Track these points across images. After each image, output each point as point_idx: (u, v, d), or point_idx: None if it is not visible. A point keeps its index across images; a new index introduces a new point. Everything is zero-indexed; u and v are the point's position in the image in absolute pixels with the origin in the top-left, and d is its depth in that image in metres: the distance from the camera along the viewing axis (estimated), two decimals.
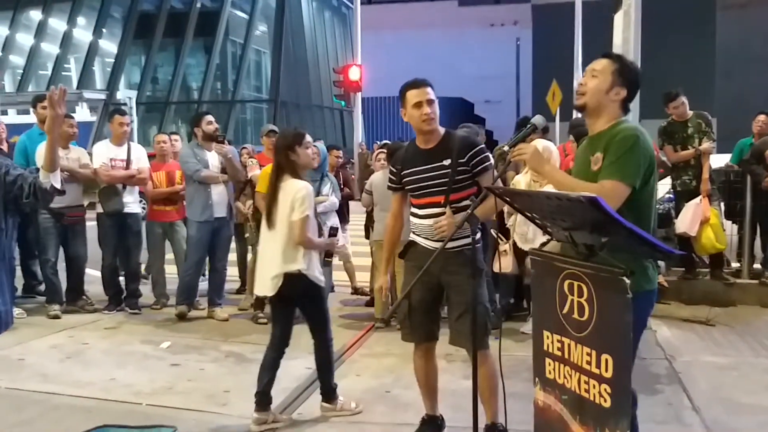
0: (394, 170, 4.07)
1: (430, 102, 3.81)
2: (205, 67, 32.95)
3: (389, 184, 4.16)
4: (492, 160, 3.91)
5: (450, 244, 3.57)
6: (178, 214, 7.52)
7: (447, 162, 3.80)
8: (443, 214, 3.78)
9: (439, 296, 3.96)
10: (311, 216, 4.41)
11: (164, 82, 33.68)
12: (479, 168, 3.81)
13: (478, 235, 3.93)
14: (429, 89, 3.84)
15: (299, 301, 4.48)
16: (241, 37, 33.60)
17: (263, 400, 4.41)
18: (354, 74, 20.32)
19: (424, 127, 3.83)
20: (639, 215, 2.94)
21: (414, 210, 4.00)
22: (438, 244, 3.63)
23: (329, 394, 4.63)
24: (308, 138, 4.66)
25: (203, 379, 5.29)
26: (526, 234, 5.97)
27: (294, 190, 4.37)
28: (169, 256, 7.67)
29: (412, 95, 3.82)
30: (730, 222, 7.94)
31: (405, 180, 3.98)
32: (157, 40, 33.04)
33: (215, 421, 4.49)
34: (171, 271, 7.68)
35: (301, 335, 6.42)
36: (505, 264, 6.11)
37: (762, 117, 8.10)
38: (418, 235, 3.97)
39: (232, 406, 4.70)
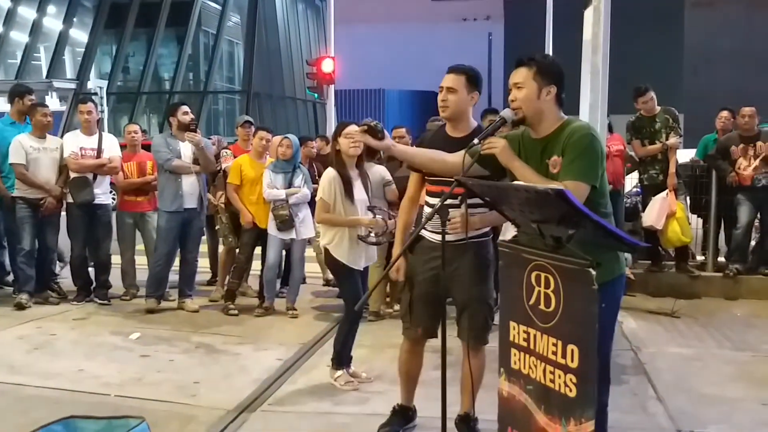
0: None
1: (449, 89, 3.73)
2: (177, 57, 32.57)
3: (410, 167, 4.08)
4: None
5: (455, 237, 3.55)
6: (149, 204, 7.46)
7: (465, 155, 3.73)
8: (456, 206, 3.62)
9: (443, 291, 3.79)
10: (328, 198, 4.92)
11: (135, 72, 33.22)
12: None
13: (488, 228, 3.91)
14: (453, 75, 3.75)
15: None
16: (213, 27, 33.27)
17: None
18: (327, 66, 20.20)
19: (441, 114, 3.81)
20: (595, 208, 2.98)
21: (427, 199, 3.94)
22: (440, 237, 3.55)
23: (337, 360, 4.93)
24: (349, 128, 4.93)
25: (173, 370, 5.27)
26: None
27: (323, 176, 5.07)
28: (140, 246, 7.62)
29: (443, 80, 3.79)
30: (695, 216, 8.08)
31: None
32: (129, 30, 32.57)
33: (185, 412, 4.47)
34: (141, 262, 7.63)
35: (272, 326, 6.47)
36: None
37: (725, 113, 8.25)
38: (424, 227, 3.81)
39: (202, 397, 4.70)
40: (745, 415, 4.46)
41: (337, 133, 5.00)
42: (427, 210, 3.93)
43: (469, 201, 3.57)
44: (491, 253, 3.91)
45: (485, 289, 3.86)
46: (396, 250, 4.13)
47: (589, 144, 3.07)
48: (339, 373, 4.93)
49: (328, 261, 5.00)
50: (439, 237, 3.46)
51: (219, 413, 4.42)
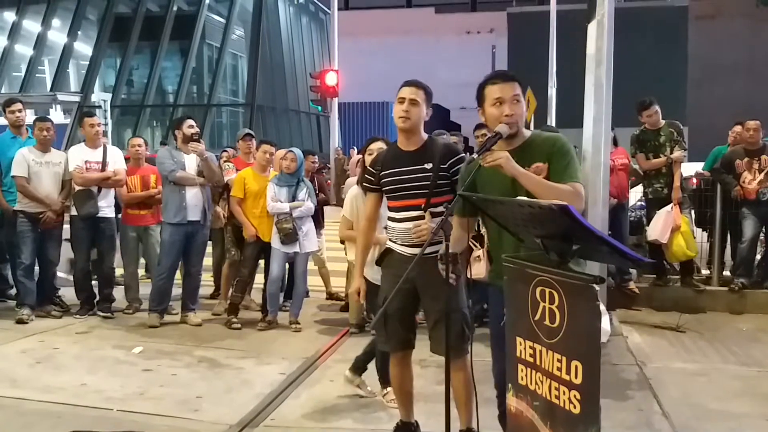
0: (373, 171, 4.03)
1: (412, 101, 3.80)
2: (181, 70, 32.72)
3: (365, 185, 4.14)
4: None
5: (427, 249, 3.55)
6: (153, 218, 7.47)
7: (429, 166, 3.80)
8: (421, 217, 3.76)
9: (415, 303, 3.93)
10: (350, 215, 5.08)
11: (139, 85, 33.39)
12: (455, 177, 3.78)
13: None
14: (415, 88, 3.84)
15: None
16: (217, 41, 33.43)
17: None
18: (331, 79, 20.32)
19: (398, 124, 3.85)
20: None
21: (391, 214, 3.98)
22: (415, 250, 3.62)
23: (381, 377, 4.86)
24: (374, 144, 4.96)
25: (175, 384, 5.25)
26: None
27: None
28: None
29: (401, 91, 3.85)
30: (700, 230, 8.05)
31: (384, 180, 3.94)
32: (133, 43, 32.76)
33: (187, 427, 4.46)
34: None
35: (275, 340, 6.45)
36: (478, 270, 6.12)
37: (737, 128, 8.23)
38: (394, 241, 3.95)
39: (204, 413, 4.67)
40: (751, 431, 4.42)
41: (366, 148, 5.02)
42: (390, 225, 3.98)
43: (431, 209, 3.75)
44: (460, 263, 3.92)
45: (459, 299, 3.86)
46: (357, 271, 4.15)
47: (571, 150, 3.24)
48: (386, 390, 4.83)
49: None
50: (411, 250, 3.48)
51: (221, 428, 4.40)
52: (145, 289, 7.39)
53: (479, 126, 7.14)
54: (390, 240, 4.01)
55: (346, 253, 6.13)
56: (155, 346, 6.20)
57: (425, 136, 3.94)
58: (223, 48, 33.31)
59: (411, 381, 4.15)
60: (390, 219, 4.00)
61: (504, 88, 3.24)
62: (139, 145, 7.66)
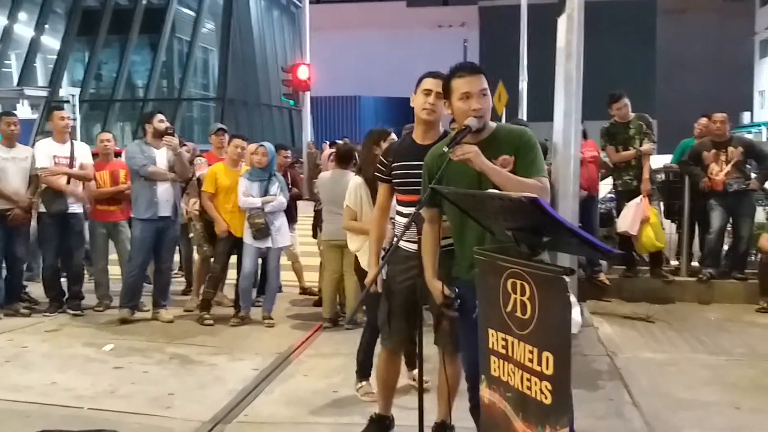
0: (385, 162, 3.94)
1: (438, 94, 3.65)
2: (151, 64, 32.39)
3: (377, 175, 4.02)
4: None
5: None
6: (122, 214, 7.38)
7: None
8: None
9: (421, 299, 3.69)
10: (354, 205, 5.04)
11: (108, 80, 32.99)
12: None
13: None
14: (437, 81, 3.66)
15: None
16: (187, 34, 33.13)
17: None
18: (303, 73, 20.23)
19: (423, 116, 3.76)
20: None
21: (399, 208, 3.91)
22: (417, 246, 3.49)
23: (360, 370, 4.90)
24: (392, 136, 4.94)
25: (147, 381, 5.21)
26: None
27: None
28: (113, 256, 7.54)
29: (425, 82, 3.76)
30: (669, 221, 8.16)
31: (394, 173, 3.86)
32: (102, 37, 32.32)
33: (159, 424, 4.42)
34: (115, 272, 7.55)
35: (248, 336, 6.42)
36: None
37: (703, 120, 8.35)
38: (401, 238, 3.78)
39: (177, 410, 4.64)
40: (720, 419, 4.50)
41: (374, 140, 4.96)
42: (398, 220, 3.91)
43: None
44: None
45: None
46: (372, 262, 4.06)
47: (536, 144, 3.29)
48: (361, 383, 4.87)
49: (356, 268, 5.12)
50: (414, 246, 3.44)
51: (194, 425, 4.38)
52: (115, 285, 7.30)
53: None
54: (396, 236, 3.92)
55: (293, 247, 6.02)
56: (126, 344, 6.14)
57: (441, 130, 3.86)
58: (193, 42, 33.03)
59: (398, 376, 4.16)
60: (398, 213, 3.92)
61: (472, 82, 3.24)
62: (108, 140, 7.56)
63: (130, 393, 4.95)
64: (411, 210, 3.68)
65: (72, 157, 7.08)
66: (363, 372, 4.89)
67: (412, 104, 3.83)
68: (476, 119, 3.20)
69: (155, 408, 4.66)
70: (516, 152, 3.21)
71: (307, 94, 21.23)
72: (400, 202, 3.90)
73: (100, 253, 7.42)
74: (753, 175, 7.66)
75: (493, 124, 3.33)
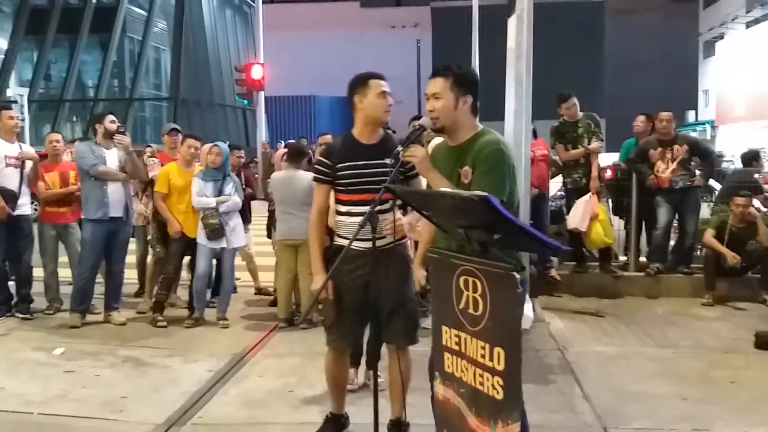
0: (327, 163, 3.91)
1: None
2: (102, 64, 31.84)
3: (317, 176, 3.98)
4: None
5: (382, 242, 3.57)
6: (72, 215, 7.25)
7: (390, 161, 3.65)
8: (385, 211, 3.67)
9: (372, 297, 3.74)
10: None
11: (58, 80, 32.33)
12: (413, 171, 3.67)
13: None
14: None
15: None
16: (139, 34, 32.66)
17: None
18: (256, 73, 20.08)
19: (384, 117, 3.82)
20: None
21: (343, 209, 3.89)
22: (367, 244, 3.49)
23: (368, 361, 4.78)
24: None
25: (99, 385, 5.13)
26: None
27: None
28: (63, 259, 7.40)
29: (378, 84, 3.79)
30: (617, 217, 8.33)
31: (340, 174, 3.84)
32: (51, 36, 31.66)
33: (111, 428, 4.38)
34: (65, 274, 7.42)
35: (203, 337, 6.38)
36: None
37: (641, 117, 8.55)
38: (345, 237, 3.81)
39: (130, 413, 4.59)
40: (667, 411, 4.62)
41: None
42: (343, 220, 3.90)
43: (384, 206, 3.63)
44: (409, 253, 4.01)
45: (410, 289, 3.91)
46: (317, 267, 3.97)
47: (499, 159, 3.17)
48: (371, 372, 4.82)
49: None
50: (364, 244, 3.47)
51: (148, 428, 4.33)
52: (65, 288, 7.17)
53: (415, 118, 7.21)
54: (339, 236, 3.92)
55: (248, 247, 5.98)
56: (77, 347, 6.04)
57: (381, 132, 3.91)
58: (145, 41, 32.58)
59: (347, 375, 4.19)
60: (343, 214, 3.89)
61: (429, 85, 3.31)
62: (57, 141, 7.42)
63: (81, 397, 4.87)
64: (360, 209, 3.73)
65: (20, 158, 6.94)
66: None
67: (359, 105, 3.84)
68: (431, 120, 3.28)
69: (107, 412, 4.60)
70: (473, 164, 3.20)
71: (261, 94, 21.05)
72: (345, 202, 3.88)
73: (49, 256, 7.27)
74: (698, 173, 7.87)
75: (477, 129, 3.29)
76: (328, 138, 7.08)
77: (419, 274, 3.80)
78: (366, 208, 3.65)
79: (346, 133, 4.00)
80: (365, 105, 3.82)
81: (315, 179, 4.01)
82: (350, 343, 4.02)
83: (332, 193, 3.97)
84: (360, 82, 3.84)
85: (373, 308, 3.74)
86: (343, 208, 3.89)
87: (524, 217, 6.57)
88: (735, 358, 5.70)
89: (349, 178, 3.83)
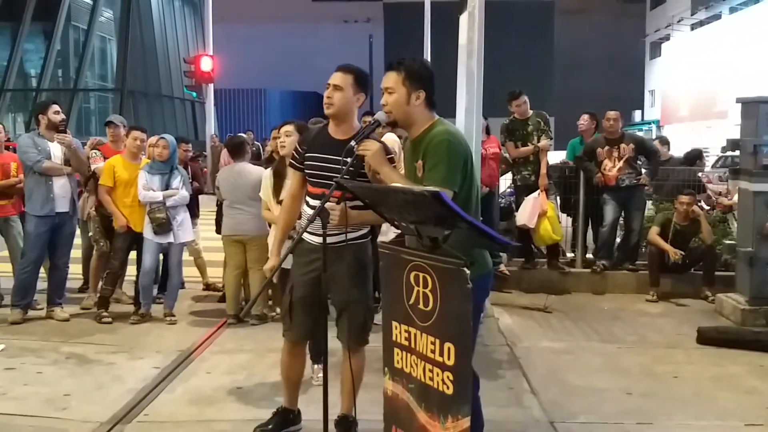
0: (300, 150, 3.89)
1: (336, 87, 3.69)
2: (45, 53, 31.00)
3: (291, 161, 4.00)
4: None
5: (334, 239, 3.55)
6: (14, 208, 7.03)
7: (343, 157, 3.68)
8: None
9: (324, 293, 3.70)
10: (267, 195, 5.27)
11: None
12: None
13: (366, 230, 3.92)
14: (341, 73, 3.72)
15: None
16: (84, 22, 31.90)
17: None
18: (206, 65, 19.79)
19: (326, 110, 3.77)
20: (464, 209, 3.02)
21: (308, 200, 3.87)
22: (320, 239, 3.50)
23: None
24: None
25: (41, 383, 5.00)
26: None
27: None
28: (3, 252, 7.19)
29: (331, 77, 3.74)
30: (565, 215, 8.45)
31: (306, 163, 3.83)
32: None
33: (54, 426, 4.27)
34: (5, 269, 7.20)
35: (149, 333, 6.26)
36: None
37: (585, 116, 8.68)
38: (306, 230, 3.77)
39: (73, 410, 4.48)
40: (612, 405, 4.71)
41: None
42: (307, 210, 3.91)
43: (351, 203, 3.52)
44: (369, 255, 3.95)
45: (364, 290, 3.89)
46: (275, 250, 4.04)
47: (446, 149, 3.14)
48: (315, 366, 4.79)
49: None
50: (319, 239, 3.45)
51: (91, 426, 4.24)
52: (6, 282, 6.97)
53: (367, 113, 7.17)
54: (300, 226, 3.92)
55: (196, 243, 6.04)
56: (19, 344, 5.87)
57: (357, 125, 3.84)
58: (90, 30, 31.84)
59: (302, 370, 4.15)
60: (306, 205, 3.90)
61: (383, 79, 3.30)
62: None
63: (22, 395, 4.74)
64: (317, 202, 3.68)
65: None
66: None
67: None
68: (385, 114, 3.28)
69: (50, 410, 4.49)
70: (423, 157, 3.19)
71: (211, 86, 20.77)
72: (310, 194, 3.87)
73: None
74: (644, 171, 8.03)
75: (432, 123, 3.27)
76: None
77: (273, 262, 3.93)
78: (319, 202, 3.64)
79: (324, 125, 3.98)
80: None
81: (289, 164, 4.08)
82: (302, 335, 3.98)
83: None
84: None
85: (325, 304, 3.73)
86: (308, 199, 3.89)
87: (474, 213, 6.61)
88: (678, 353, 5.84)
89: (312, 169, 3.81)
